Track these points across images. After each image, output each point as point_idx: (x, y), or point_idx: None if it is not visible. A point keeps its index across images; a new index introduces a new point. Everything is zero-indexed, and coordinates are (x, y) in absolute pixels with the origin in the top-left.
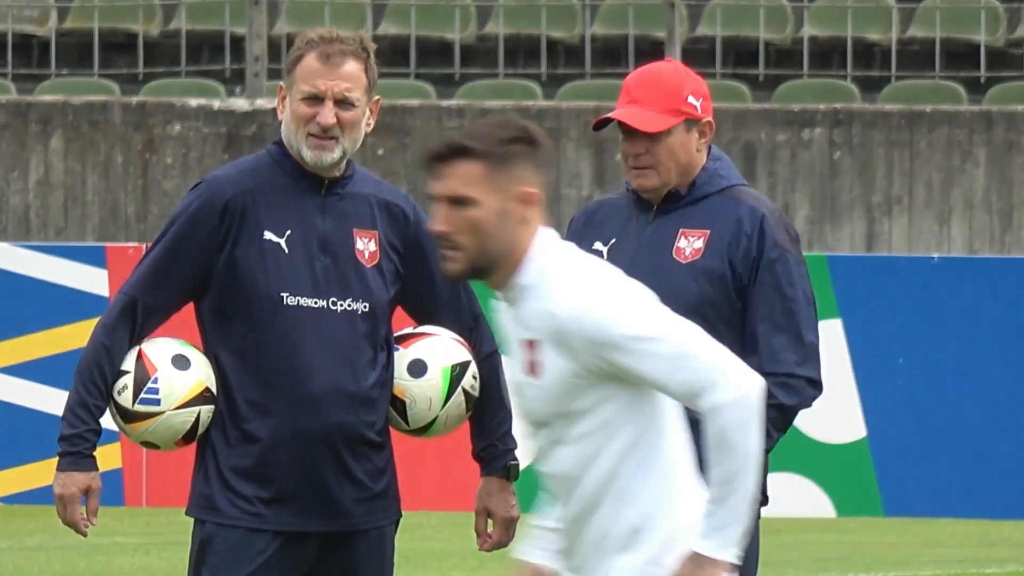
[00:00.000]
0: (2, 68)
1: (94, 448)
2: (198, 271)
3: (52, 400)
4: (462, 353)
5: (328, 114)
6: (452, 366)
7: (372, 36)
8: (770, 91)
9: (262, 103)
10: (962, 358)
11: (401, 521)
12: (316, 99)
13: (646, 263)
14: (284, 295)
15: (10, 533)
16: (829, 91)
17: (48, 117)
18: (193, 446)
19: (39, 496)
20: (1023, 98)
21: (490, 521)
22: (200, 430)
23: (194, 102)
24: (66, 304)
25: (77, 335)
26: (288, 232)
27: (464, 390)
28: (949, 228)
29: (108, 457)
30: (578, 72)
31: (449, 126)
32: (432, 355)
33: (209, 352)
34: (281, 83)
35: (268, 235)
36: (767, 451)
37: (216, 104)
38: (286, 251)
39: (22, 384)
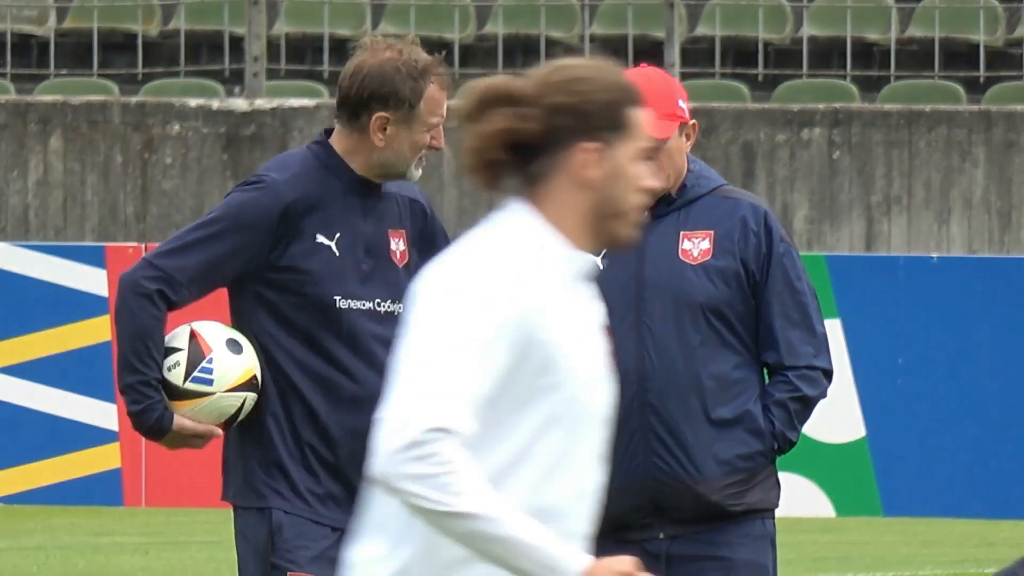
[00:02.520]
0: (1, 68)
1: (166, 408)
2: (244, 268)
3: (51, 400)
4: None
5: (442, 137)
6: None
7: (371, 36)
8: (769, 91)
9: (261, 103)
10: (961, 358)
11: None
12: (436, 126)
13: (657, 268)
14: (337, 298)
15: (9, 533)
16: (828, 91)
17: (47, 117)
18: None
19: (39, 496)
20: (1022, 98)
21: None
22: (240, 416)
23: (193, 102)
24: (65, 304)
25: (76, 335)
26: (337, 235)
27: None
28: (948, 228)
29: (107, 457)
30: None
31: (448, 126)
32: None
33: (257, 346)
34: (384, 113)
35: (320, 238)
36: (794, 443)
37: (215, 104)
38: (337, 254)
39: (21, 384)
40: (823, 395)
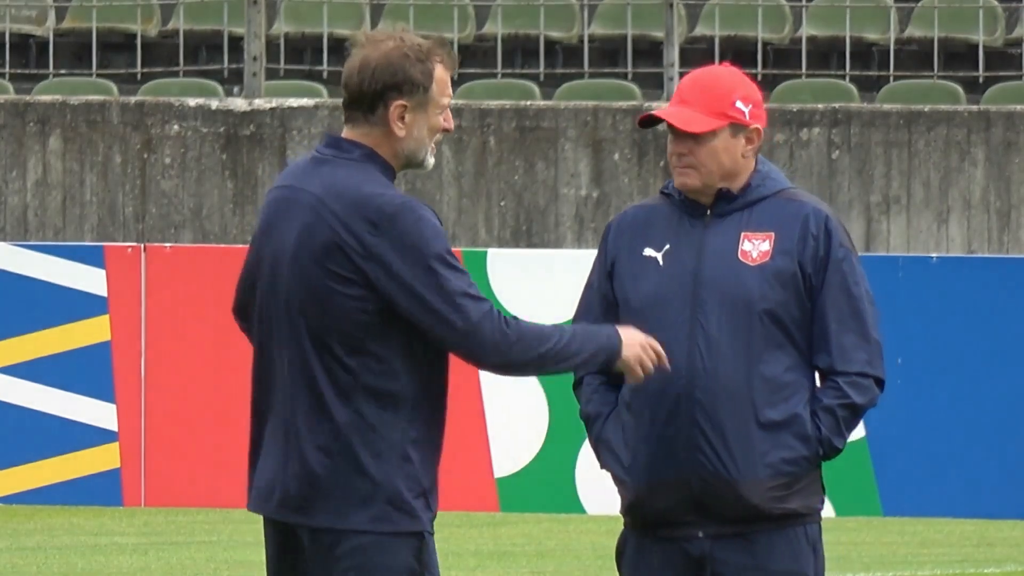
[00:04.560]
0: (0, 68)
1: None
2: None
3: (51, 400)
4: None
5: (451, 117)
6: None
7: None
8: (768, 91)
9: (260, 103)
10: (960, 358)
11: None
12: (447, 107)
13: (715, 267)
14: None
15: (8, 533)
16: (827, 91)
17: (46, 117)
18: (196, 444)
19: (38, 496)
20: (1021, 98)
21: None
22: None
23: (192, 102)
24: (65, 304)
25: (76, 335)
26: None
27: None
28: (947, 228)
29: (106, 457)
30: (576, 72)
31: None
32: None
33: (400, 362)
34: (401, 100)
35: None
36: (840, 450)
37: (214, 104)
38: None
39: (20, 384)
40: (873, 403)
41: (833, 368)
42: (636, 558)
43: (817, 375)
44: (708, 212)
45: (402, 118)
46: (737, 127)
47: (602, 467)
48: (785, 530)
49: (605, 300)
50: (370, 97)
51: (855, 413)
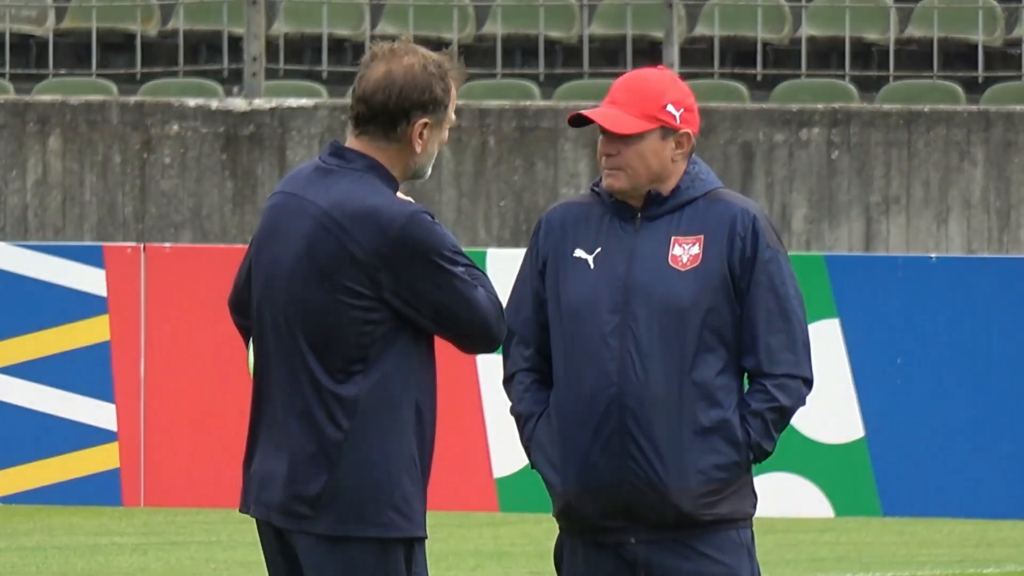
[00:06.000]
0: (0, 68)
1: None
2: None
3: (50, 400)
4: None
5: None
6: None
7: (369, 36)
8: (768, 91)
9: (260, 103)
10: (960, 358)
11: None
12: (453, 122)
13: (645, 272)
14: None
15: (8, 533)
16: (827, 91)
17: (46, 117)
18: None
19: (37, 496)
20: (1021, 98)
21: None
22: None
23: (192, 102)
24: (64, 304)
25: (76, 335)
26: None
27: None
28: (947, 228)
29: (105, 457)
30: (576, 72)
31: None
32: None
33: (402, 364)
34: (426, 118)
35: None
36: (769, 453)
37: (214, 104)
38: None
39: (19, 384)
40: (801, 403)
41: (760, 370)
42: (572, 562)
43: (745, 376)
44: (639, 215)
45: (421, 135)
46: (667, 131)
47: (533, 467)
48: (719, 534)
49: (537, 296)
50: (394, 113)
51: (783, 415)
